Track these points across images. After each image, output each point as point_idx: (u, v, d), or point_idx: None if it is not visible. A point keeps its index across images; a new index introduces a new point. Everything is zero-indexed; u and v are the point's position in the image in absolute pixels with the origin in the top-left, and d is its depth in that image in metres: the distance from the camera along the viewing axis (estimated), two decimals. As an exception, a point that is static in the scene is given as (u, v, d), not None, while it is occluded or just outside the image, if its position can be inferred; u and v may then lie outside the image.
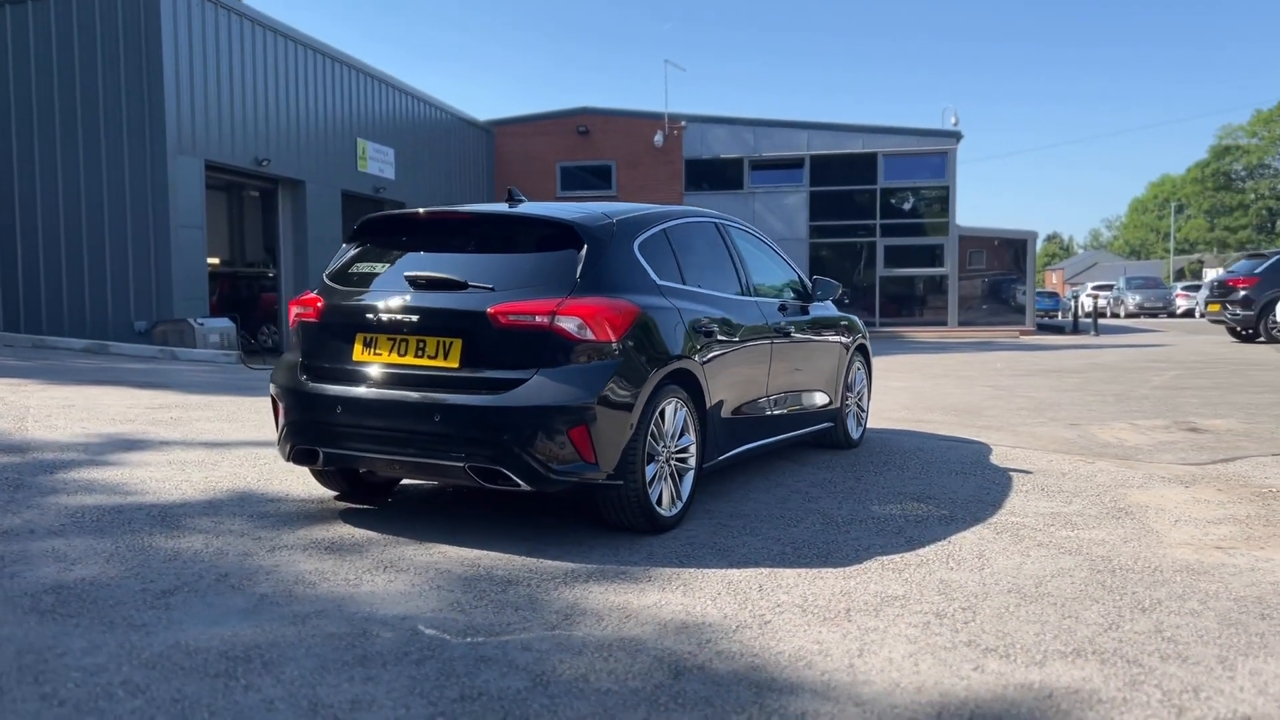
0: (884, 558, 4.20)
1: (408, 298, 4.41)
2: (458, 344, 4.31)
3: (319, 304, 4.68)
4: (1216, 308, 18.59)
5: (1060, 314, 38.27)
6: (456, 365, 4.30)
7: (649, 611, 3.52)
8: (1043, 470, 6.14)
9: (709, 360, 4.89)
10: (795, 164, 27.84)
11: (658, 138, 28.30)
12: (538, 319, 4.20)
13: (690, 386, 4.75)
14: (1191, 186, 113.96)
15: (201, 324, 15.03)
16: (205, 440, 6.99)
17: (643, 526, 4.47)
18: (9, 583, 3.76)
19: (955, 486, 5.65)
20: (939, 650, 3.16)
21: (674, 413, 4.62)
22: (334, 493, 5.29)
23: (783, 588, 3.79)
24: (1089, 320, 28.20)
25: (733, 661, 3.09)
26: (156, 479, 5.64)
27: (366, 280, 4.71)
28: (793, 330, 5.95)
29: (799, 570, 4.02)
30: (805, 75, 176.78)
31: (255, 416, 8.33)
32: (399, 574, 3.96)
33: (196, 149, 16.52)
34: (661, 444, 4.54)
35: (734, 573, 3.98)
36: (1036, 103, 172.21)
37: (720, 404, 5.02)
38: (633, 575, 3.96)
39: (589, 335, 4.21)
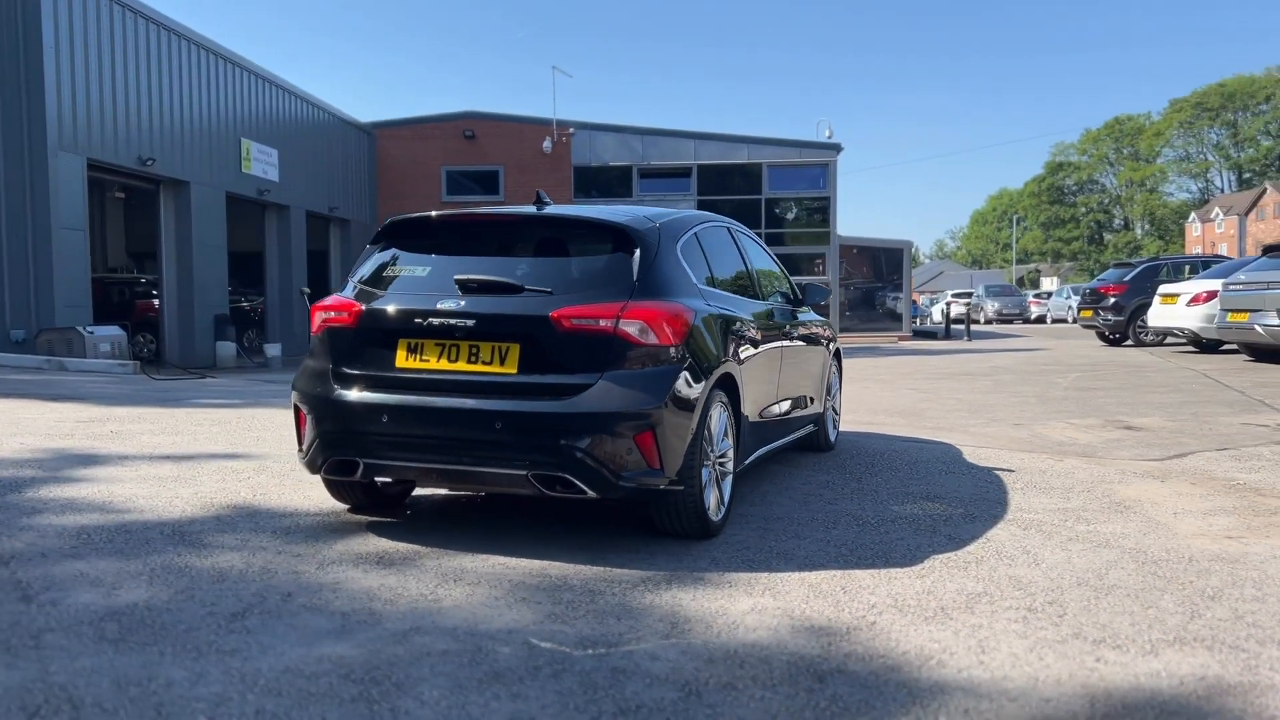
0: (940, 556, 4.30)
1: (461, 302, 4.27)
2: (515, 349, 4.20)
3: (356, 309, 4.48)
4: (1089, 313, 19.76)
5: (919, 320, 39.93)
6: (515, 371, 4.19)
7: (752, 617, 3.52)
8: (1022, 468, 6.40)
9: (743, 363, 4.92)
10: (683, 173, 28.20)
11: (546, 144, 28.19)
12: (601, 323, 4.14)
13: (730, 390, 4.76)
14: (1029, 200, 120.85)
15: (91, 332, 14.13)
16: (164, 454, 6.60)
17: (694, 532, 4.46)
18: (55, 610, 3.47)
19: (954, 486, 5.84)
20: (1053, 644, 3.26)
21: (719, 416, 4.62)
22: (346, 505, 5.08)
23: (865, 589, 3.84)
24: (961, 326, 29.53)
25: (866, 663, 3.11)
26: (143, 495, 5.29)
27: (406, 284, 4.54)
28: (794, 333, 6.05)
29: (869, 571, 4.08)
30: (689, 88, 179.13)
31: (197, 428, 7.91)
32: (472, 586, 3.83)
33: (79, 147, 15.55)
34: (711, 448, 4.53)
35: (809, 575, 4.01)
36: (900, 118, 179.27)
37: (749, 407, 5.06)
38: (712, 580, 3.94)
39: (652, 339, 4.18)
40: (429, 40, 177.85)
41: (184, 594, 3.68)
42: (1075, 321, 37.77)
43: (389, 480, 4.70)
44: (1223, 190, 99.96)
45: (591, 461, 4.04)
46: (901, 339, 26.99)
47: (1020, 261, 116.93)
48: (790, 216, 28.48)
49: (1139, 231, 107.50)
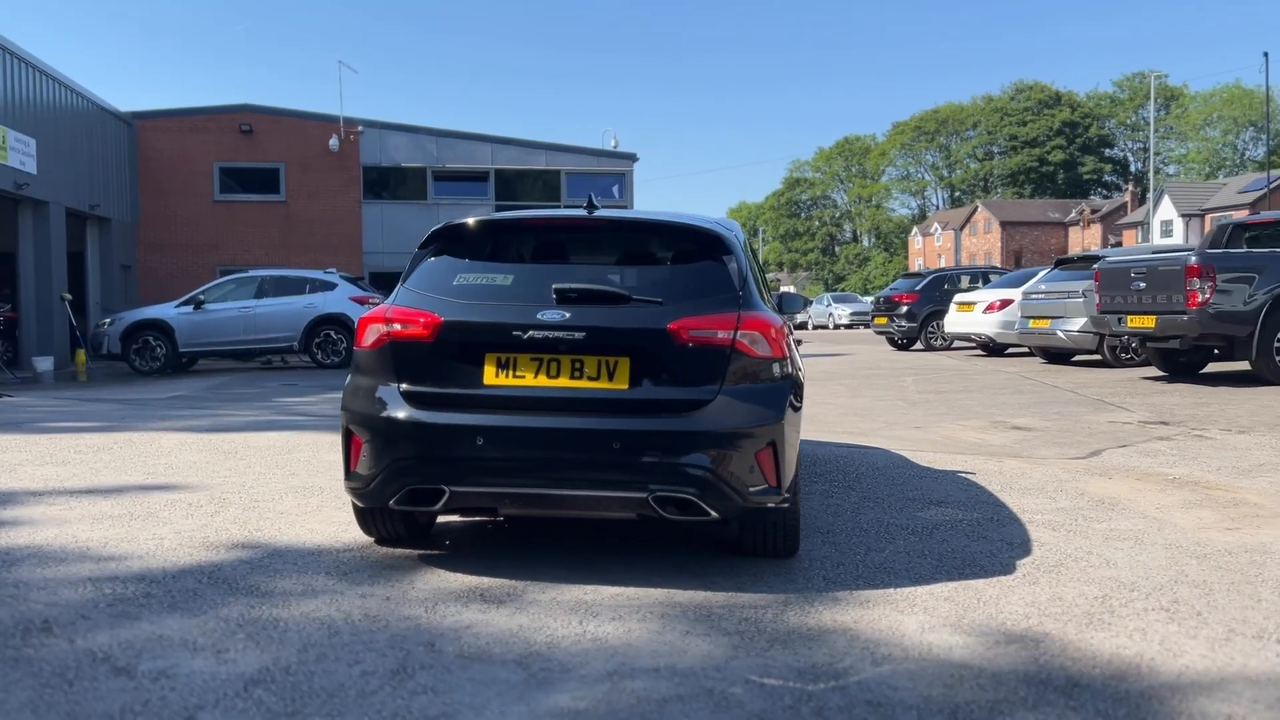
0: (1020, 562, 4.42)
1: (566, 314, 3.94)
2: (625, 363, 3.93)
3: (435, 321, 4.03)
4: (884, 320, 21.15)
5: None
6: (626, 386, 3.92)
7: (931, 634, 3.47)
8: (980, 470, 6.71)
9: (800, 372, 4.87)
10: (480, 177, 27.69)
11: (333, 141, 26.85)
12: (720, 334, 3.96)
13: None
14: (769, 213, 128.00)
15: None
16: (80, 488, 5.73)
17: (787, 549, 4.35)
18: (177, 683, 2.93)
19: (943, 490, 6.04)
20: (1221, 641, 3.42)
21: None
22: (372, 538, 4.58)
23: (994, 598, 3.88)
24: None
25: (1089, 672, 3.15)
26: (119, 538, 4.56)
27: (487, 294, 4.15)
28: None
29: (978, 580, 4.12)
30: (485, 92, 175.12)
31: (80, 457, 6.92)
32: (616, 620, 3.56)
33: None
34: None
35: (930, 588, 4.01)
36: (681, 126, 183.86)
37: None
38: (848, 598, 3.86)
39: (765, 352, 4.04)
40: (195, 22, 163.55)
41: (311, 653, 3.19)
42: (839, 327, 40.46)
43: (428, 510, 4.25)
44: (938, 207, 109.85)
45: (718, 481, 3.86)
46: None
47: (763, 271, 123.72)
48: (588, 224, 28.63)
49: (866, 243, 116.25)
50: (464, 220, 4.43)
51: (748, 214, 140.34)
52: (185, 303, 17.83)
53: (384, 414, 4.01)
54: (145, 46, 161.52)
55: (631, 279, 4.19)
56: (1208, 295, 11.16)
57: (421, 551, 4.45)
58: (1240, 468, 6.69)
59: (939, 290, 20.44)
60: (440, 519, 4.96)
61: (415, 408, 3.99)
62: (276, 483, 6.04)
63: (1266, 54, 42.58)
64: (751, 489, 3.92)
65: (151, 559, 4.23)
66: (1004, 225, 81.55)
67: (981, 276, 21.33)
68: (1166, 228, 64.25)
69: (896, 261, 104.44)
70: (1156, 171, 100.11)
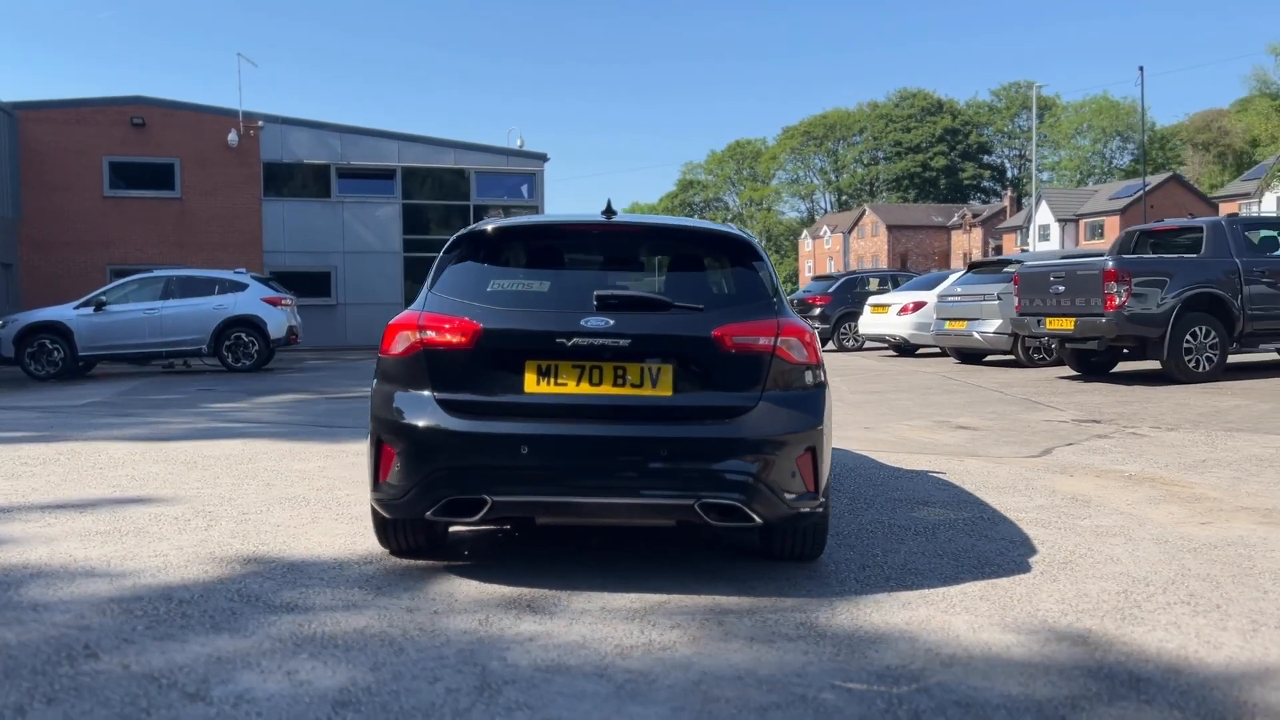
0: (1031, 560, 4.57)
1: (610, 321, 3.91)
2: (668, 370, 3.93)
3: (474, 328, 3.94)
4: (799, 322, 21.55)
5: None
6: (669, 393, 3.92)
7: (986, 633, 3.56)
8: (947, 470, 6.91)
9: None
10: (387, 174, 27.15)
11: (232, 136, 25.97)
12: (761, 341, 3.99)
13: None
14: (663, 214, 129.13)
15: None
16: (50, 503, 5.43)
17: (814, 553, 4.40)
18: (256, 706, 2.80)
19: (925, 491, 6.20)
20: (1251, 632, 3.61)
21: None
22: (389, 549, 4.47)
23: (1025, 596, 4.01)
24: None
25: (1141, 662, 3.28)
26: (121, 555, 4.34)
27: (523, 300, 4.09)
28: None
29: (1004, 579, 4.24)
30: (388, 89, 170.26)
31: (32, 470, 6.54)
32: (675, 629, 3.56)
33: None
34: None
35: (963, 587, 4.12)
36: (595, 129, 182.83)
37: None
38: (886, 602, 3.92)
39: (802, 358, 4.09)
40: (79, 11, 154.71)
41: (385, 672, 3.10)
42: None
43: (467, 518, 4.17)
44: (826, 211, 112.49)
45: (763, 487, 3.89)
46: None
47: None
48: (498, 224, 28.34)
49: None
50: (491, 225, 4.35)
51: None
52: (85, 304, 16.98)
53: (421, 423, 3.92)
54: (22, 39, 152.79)
55: (667, 285, 4.19)
56: (1124, 298, 11.72)
57: (444, 562, 4.36)
58: (1185, 464, 7.05)
59: (851, 293, 20.97)
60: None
61: (455, 416, 3.91)
62: (255, 494, 5.83)
63: (1142, 68, 44.95)
64: (793, 494, 3.97)
65: (166, 576, 4.04)
66: (890, 228, 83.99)
67: (891, 279, 21.96)
68: (1044, 232, 67.18)
69: (787, 263, 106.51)
70: (1030, 179, 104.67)
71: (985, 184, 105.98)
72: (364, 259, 26.88)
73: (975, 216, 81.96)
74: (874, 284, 21.71)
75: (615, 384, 3.92)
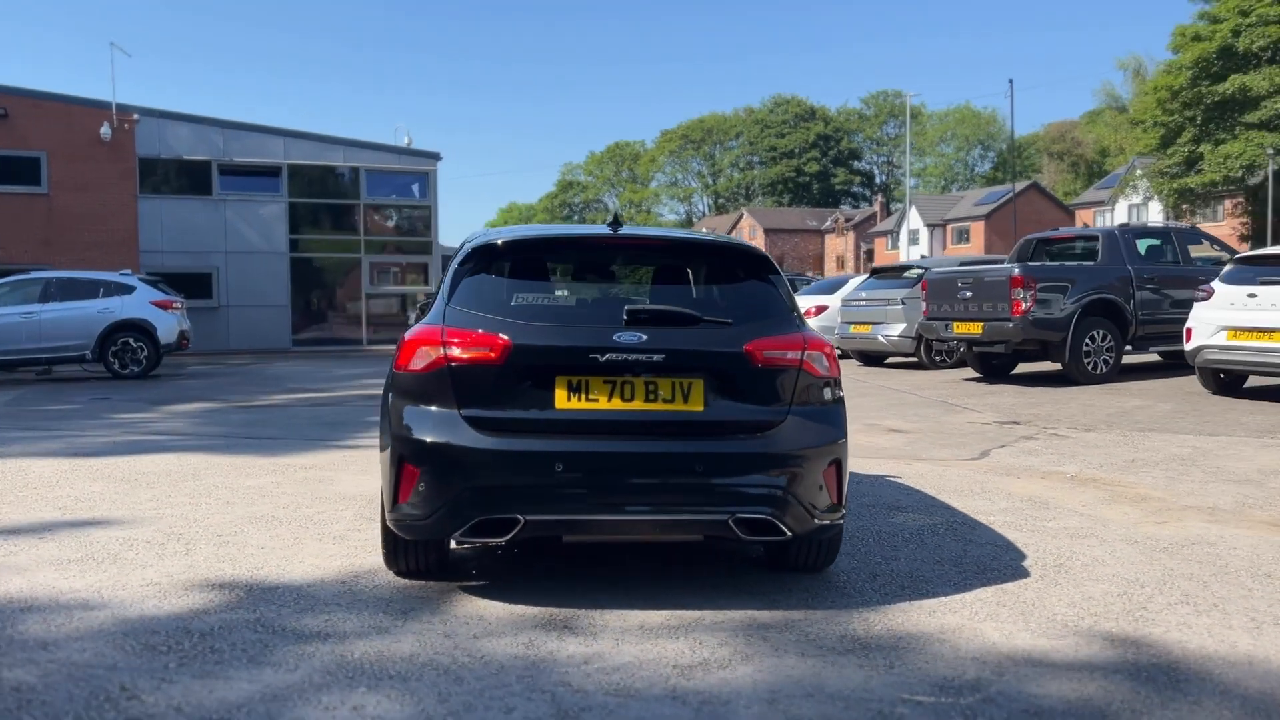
0: (1024, 564, 4.73)
1: (643, 336, 3.87)
2: (699, 385, 3.91)
3: (503, 343, 3.84)
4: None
5: None
6: (701, 408, 3.91)
7: (1020, 638, 3.67)
8: (901, 474, 7.10)
9: None
10: (272, 172, 26.22)
11: (104, 130, 24.66)
12: (789, 355, 4.01)
13: None
14: (543, 215, 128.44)
15: None
16: (10, 526, 5.03)
17: (825, 563, 4.45)
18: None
19: (891, 495, 6.35)
20: (1256, 629, 3.81)
21: None
22: (395, 569, 4.32)
23: (1032, 601, 4.13)
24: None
25: (1172, 660, 3.43)
26: (113, 585, 4.10)
27: (551, 314, 4.00)
28: None
29: (1004, 585, 4.37)
30: (275, 83, 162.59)
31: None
32: (723, 646, 3.55)
33: None
34: None
35: (968, 596, 4.20)
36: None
37: None
38: (911, 610, 4.00)
39: (826, 371, 4.13)
40: None
41: (455, 702, 3.01)
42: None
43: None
44: (704, 214, 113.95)
45: (794, 500, 3.92)
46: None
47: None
48: (391, 224, 27.69)
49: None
50: (508, 237, 4.25)
51: (519, 215, 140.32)
52: (-47, 307, 15.85)
53: (450, 442, 3.80)
54: None
55: (691, 299, 4.17)
56: (1029, 304, 12.26)
57: (456, 583, 4.25)
58: (1117, 464, 7.41)
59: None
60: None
61: (485, 434, 3.81)
62: (220, 514, 5.55)
63: (1011, 81, 46.95)
64: (820, 507, 4.01)
65: (170, 606, 3.81)
66: (767, 232, 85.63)
67: (789, 284, 22.39)
68: (914, 236, 69.65)
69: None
70: (898, 184, 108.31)
71: (855, 189, 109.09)
72: (248, 259, 25.89)
73: (848, 221, 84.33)
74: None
75: (647, 399, 3.89)
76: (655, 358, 3.87)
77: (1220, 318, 10.74)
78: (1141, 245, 13.54)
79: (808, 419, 4.03)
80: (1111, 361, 12.74)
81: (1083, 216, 60.16)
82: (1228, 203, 42.60)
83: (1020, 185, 68.45)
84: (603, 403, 3.86)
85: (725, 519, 3.85)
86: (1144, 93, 43.63)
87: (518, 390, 3.86)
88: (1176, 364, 14.39)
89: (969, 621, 3.84)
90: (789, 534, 3.95)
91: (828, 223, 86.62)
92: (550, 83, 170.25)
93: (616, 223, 4.62)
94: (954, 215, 68.15)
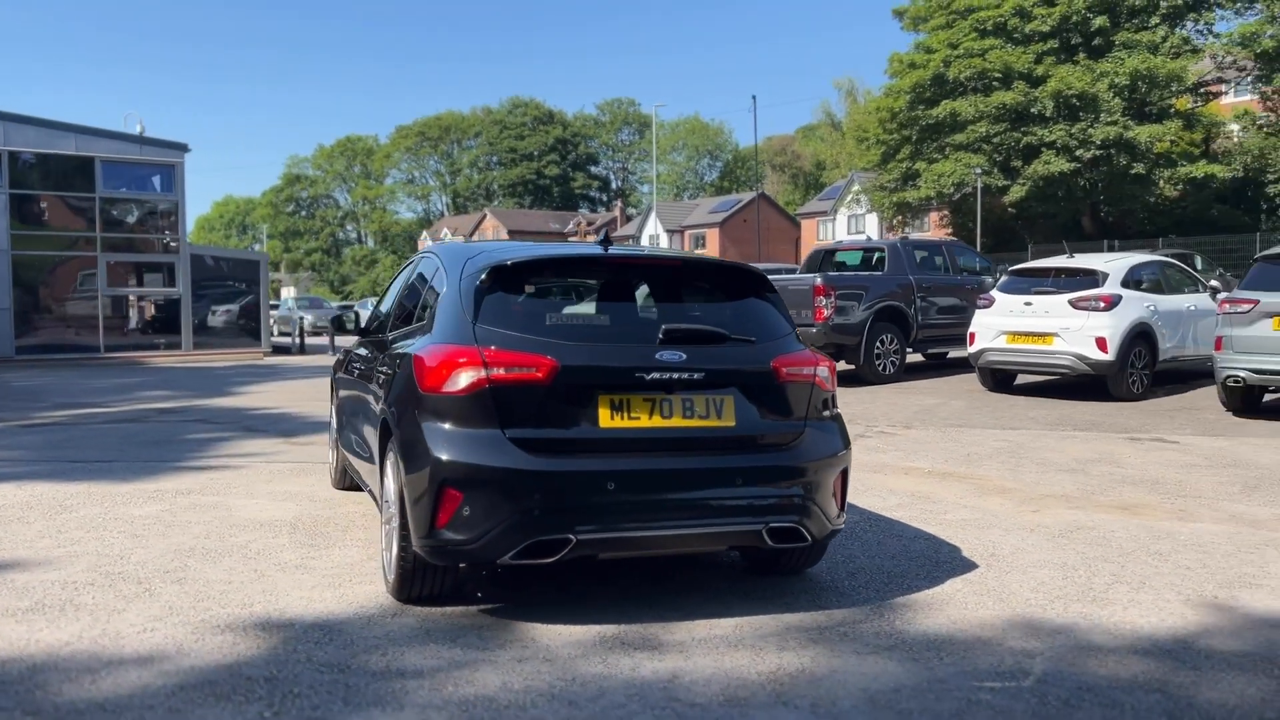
0: (961, 557, 5.20)
1: (682, 354, 3.96)
2: (730, 400, 4.06)
3: (550, 364, 3.81)
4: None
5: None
6: (733, 423, 4.06)
7: (1016, 629, 4.09)
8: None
9: None
10: (-11, 160, 23.35)
11: None
12: (806, 370, 4.24)
13: None
14: (265, 209, 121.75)
15: None
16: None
17: (809, 566, 4.71)
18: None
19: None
20: (1185, 602, 4.45)
21: None
22: (404, 598, 4.19)
23: (1001, 591, 4.60)
24: (323, 340, 29.28)
25: (1158, 636, 3.94)
26: (115, 635, 3.70)
27: (588, 334, 4.01)
28: None
29: (966, 576, 4.80)
30: None
31: None
32: (785, 652, 3.74)
33: None
34: None
35: (945, 589, 4.60)
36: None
37: None
38: (909, 605, 4.34)
39: (831, 386, 4.39)
40: None
41: (592, 725, 3.01)
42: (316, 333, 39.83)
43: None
44: (442, 213, 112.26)
45: (815, 508, 4.16)
46: (265, 355, 25.94)
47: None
48: (132, 220, 25.39)
49: (372, 244, 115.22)
50: (527, 256, 4.22)
51: (236, 209, 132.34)
52: None
53: (499, 464, 3.74)
54: None
55: (709, 318, 4.29)
56: (830, 311, 13.21)
57: (481, 607, 4.16)
58: (958, 458, 8.21)
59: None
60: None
61: (535, 455, 3.78)
62: (140, 549, 5.07)
63: (755, 97, 49.65)
64: (833, 513, 4.28)
65: (200, 655, 3.50)
66: (511, 233, 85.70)
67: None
68: (654, 242, 72.10)
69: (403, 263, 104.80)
70: (633, 190, 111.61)
71: (593, 193, 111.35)
72: (-40, 257, 22.97)
73: (590, 225, 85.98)
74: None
75: (684, 416, 4.00)
76: (695, 375, 3.99)
77: (1000, 323, 12.06)
78: (918, 256, 14.90)
79: (822, 431, 4.28)
80: (898, 363, 13.96)
81: (808, 226, 64.62)
82: (934, 214, 47.23)
83: (750, 195, 72.56)
84: (644, 420, 3.94)
85: (760, 529, 4.04)
86: (867, 112, 47.47)
87: (562, 410, 3.87)
88: (942, 364, 15.96)
89: (970, 613, 4.23)
90: (810, 540, 4.19)
91: (570, 226, 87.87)
92: (275, 70, 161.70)
93: (607, 241, 4.69)
94: (691, 222, 71.15)
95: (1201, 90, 39.00)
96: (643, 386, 3.94)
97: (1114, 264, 11.98)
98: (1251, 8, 37.19)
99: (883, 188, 42.62)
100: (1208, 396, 11.76)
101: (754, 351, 4.18)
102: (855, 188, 53.77)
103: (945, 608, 4.28)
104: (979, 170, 37.08)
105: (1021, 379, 13.10)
